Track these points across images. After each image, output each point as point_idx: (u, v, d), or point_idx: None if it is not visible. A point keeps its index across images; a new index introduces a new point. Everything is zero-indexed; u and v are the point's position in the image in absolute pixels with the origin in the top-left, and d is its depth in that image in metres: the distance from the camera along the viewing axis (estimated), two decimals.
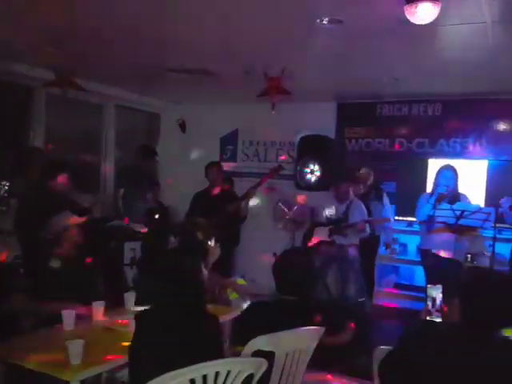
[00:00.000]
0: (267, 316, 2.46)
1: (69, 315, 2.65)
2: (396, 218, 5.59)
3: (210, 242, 3.75)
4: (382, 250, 5.66)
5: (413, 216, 5.06)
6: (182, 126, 7.00)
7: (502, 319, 1.77)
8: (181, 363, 1.83)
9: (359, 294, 5.16)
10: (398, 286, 5.75)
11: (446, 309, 1.88)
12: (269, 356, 2.23)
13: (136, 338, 2.07)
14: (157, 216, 5.38)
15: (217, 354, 2.06)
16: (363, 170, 5.44)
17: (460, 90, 5.25)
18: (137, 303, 3.04)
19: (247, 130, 6.74)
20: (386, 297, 5.73)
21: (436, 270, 4.46)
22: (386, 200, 5.43)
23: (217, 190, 5.22)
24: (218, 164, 5.41)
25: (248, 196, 5.06)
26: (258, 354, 2.21)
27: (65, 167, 4.39)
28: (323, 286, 5.47)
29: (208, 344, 2.08)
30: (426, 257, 4.68)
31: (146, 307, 2.22)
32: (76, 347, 2.19)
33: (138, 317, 2.13)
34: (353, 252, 4.86)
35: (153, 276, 2.37)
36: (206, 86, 5.56)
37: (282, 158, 6.48)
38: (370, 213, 5.11)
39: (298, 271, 2.53)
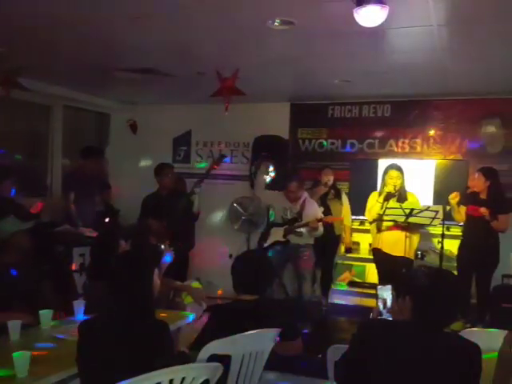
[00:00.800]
0: (224, 319, 2.43)
1: (14, 325, 2.51)
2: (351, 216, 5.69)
3: (163, 246, 3.68)
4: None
5: (365, 215, 5.17)
6: (133, 127, 6.85)
7: (451, 316, 1.84)
8: (131, 372, 1.77)
9: (315, 292, 5.22)
10: (351, 283, 5.84)
11: (396, 307, 1.92)
12: (225, 359, 2.22)
13: (81, 348, 2.00)
14: (107, 220, 5.24)
15: (168, 360, 2.00)
16: (325, 170, 5.49)
17: (408, 91, 5.40)
18: (86, 311, 2.93)
19: (201, 131, 6.67)
20: (339, 294, 5.82)
21: (388, 267, 4.58)
22: (345, 199, 5.51)
23: (167, 192, 5.14)
24: (168, 166, 5.33)
25: (196, 185, 5.00)
26: (214, 358, 2.19)
27: (9, 172, 4.20)
28: (280, 285, 5.50)
29: (159, 351, 2.02)
30: (378, 255, 4.80)
31: (93, 316, 2.15)
32: (22, 359, 2.09)
33: (82, 326, 2.06)
34: (308, 251, 4.89)
35: (102, 282, 2.28)
36: (157, 86, 5.48)
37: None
38: (329, 212, 5.17)
39: (253, 273, 2.51)
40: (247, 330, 2.30)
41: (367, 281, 5.78)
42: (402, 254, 4.53)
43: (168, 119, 6.59)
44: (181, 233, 4.88)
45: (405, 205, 4.42)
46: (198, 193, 5.02)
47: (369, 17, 2.81)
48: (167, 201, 5.02)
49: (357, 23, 2.91)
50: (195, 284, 3.89)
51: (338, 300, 5.79)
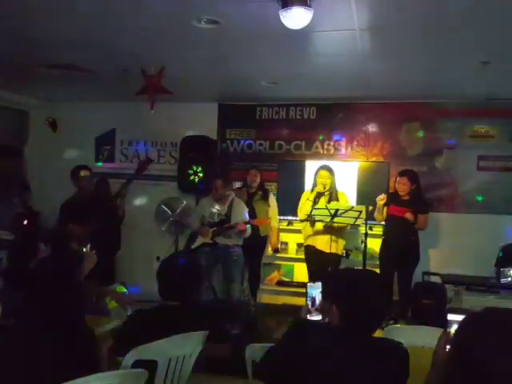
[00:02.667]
0: (150, 324, 2.35)
1: None
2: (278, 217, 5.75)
3: (84, 249, 3.51)
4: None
5: (293, 215, 5.27)
6: (53, 125, 6.53)
7: (378, 318, 1.84)
8: (53, 381, 1.68)
9: (244, 293, 5.22)
10: (280, 283, 5.91)
11: (324, 306, 1.94)
12: (151, 365, 2.16)
13: None
14: (25, 222, 4.93)
15: (92, 368, 1.92)
16: (251, 171, 5.50)
17: (333, 94, 5.56)
18: (3, 317, 2.73)
19: (125, 130, 6.47)
20: (268, 294, 5.87)
21: (318, 264, 4.73)
22: (272, 201, 5.54)
23: (87, 195, 4.93)
24: (83, 168, 5.11)
25: (120, 194, 4.85)
26: (139, 363, 2.12)
27: None
28: (209, 287, 5.45)
29: (83, 358, 1.95)
30: (309, 252, 4.92)
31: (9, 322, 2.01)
32: None
33: None
34: (237, 252, 4.88)
35: (20, 288, 2.14)
36: (80, 83, 5.26)
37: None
38: (254, 213, 5.18)
39: (181, 275, 2.44)
40: (172, 334, 2.24)
41: (295, 280, 5.87)
42: (332, 251, 4.67)
43: (91, 117, 6.34)
44: (104, 236, 4.70)
45: (330, 205, 4.55)
46: (124, 196, 4.86)
47: (293, 19, 2.85)
48: (87, 204, 4.82)
49: (282, 25, 2.95)
50: (120, 288, 3.74)
51: (266, 300, 5.84)
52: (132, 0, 3.04)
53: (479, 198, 5.58)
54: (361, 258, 4.90)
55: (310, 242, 4.92)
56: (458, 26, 3.27)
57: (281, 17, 2.86)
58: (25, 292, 2.05)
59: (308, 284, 2.35)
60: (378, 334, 2.07)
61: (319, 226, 4.75)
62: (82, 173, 4.91)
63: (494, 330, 1.29)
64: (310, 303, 2.27)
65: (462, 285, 4.20)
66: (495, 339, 1.26)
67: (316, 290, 2.30)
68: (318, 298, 2.29)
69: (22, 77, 5.11)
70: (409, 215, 4.76)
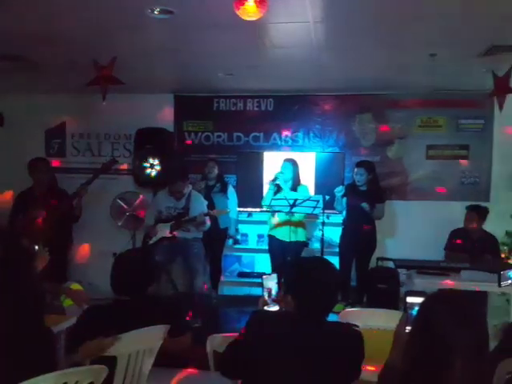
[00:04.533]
0: (103, 320, 2.32)
1: None
2: (237, 209, 5.76)
3: (36, 247, 3.40)
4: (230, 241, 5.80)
5: (252, 206, 5.30)
6: None
7: (331, 303, 1.90)
8: (13, 379, 1.67)
9: (205, 286, 5.21)
10: (241, 274, 5.93)
11: (281, 297, 1.98)
12: (111, 361, 2.15)
13: None
14: None
15: (50, 366, 1.90)
16: (209, 164, 5.48)
17: (290, 86, 5.59)
18: None
19: (77, 123, 6.27)
20: (230, 286, 5.89)
21: (281, 254, 4.84)
22: (230, 192, 5.53)
23: (43, 189, 4.78)
24: (44, 160, 4.95)
25: (79, 194, 4.73)
26: (98, 359, 2.12)
27: None
28: (169, 281, 5.41)
29: (40, 357, 1.90)
30: (271, 243, 5.02)
31: None
32: None
33: None
34: (197, 245, 4.86)
35: None
36: (27, 75, 5.05)
37: None
38: (213, 205, 5.16)
39: (133, 271, 2.43)
40: (125, 330, 2.23)
41: (256, 271, 5.90)
42: (292, 240, 4.75)
43: (40, 110, 6.09)
44: (57, 233, 4.57)
45: (289, 196, 4.62)
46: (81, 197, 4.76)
47: (248, 10, 2.84)
48: (43, 199, 4.67)
49: (237, 16, 2.93)
50: (75, 285, 3.64)
51: (229, 292, 5.86)
52: None
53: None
54: (319, 246, 5.01)
55: (271, 232, 5.01)
56: (407, 20, 3.36)
57: (235, 8, 2.85)
58: None
59: (263, 276, 2.38)
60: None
61: (280, 216, 4.81)
62: (40, 165, 4.77)
63: (450, 306, 1.40)
64: (266, 294, 2.31)
65: (413, 269, 4.37)
66: (451, 314, 1.37)
67: (272, 282, 2.33)
68: (274, 289, 2.33)
69: None
70: (365, 205, 4.89)
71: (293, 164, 4.88)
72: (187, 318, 4.35)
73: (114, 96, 4.64)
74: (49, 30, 3.69)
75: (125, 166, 6.09)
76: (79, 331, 2.34)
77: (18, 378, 1.71)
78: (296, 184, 4.87)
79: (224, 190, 5.46)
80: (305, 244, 5.51)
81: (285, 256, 4.76)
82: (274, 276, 2.38)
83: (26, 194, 4.81)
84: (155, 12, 3.28)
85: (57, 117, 6.26)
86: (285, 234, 4.82)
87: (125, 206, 5.76)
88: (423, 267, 4.21)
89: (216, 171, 5.46)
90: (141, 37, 3.84)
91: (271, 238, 5.03)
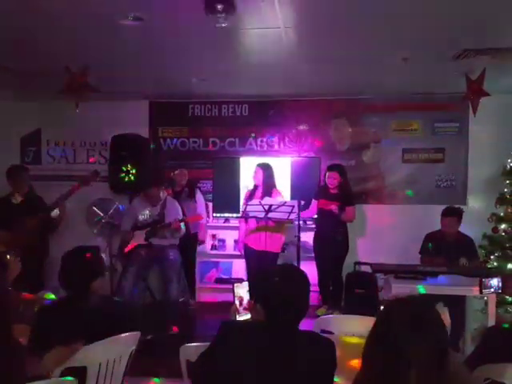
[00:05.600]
0: (52, 318, 2.32)
1: None
2: (214, 214, 5.75)
3: (8, 256, 3.34)
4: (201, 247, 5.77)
5: (229, 212, 5.28)
6: None
7: (301, 312, 1.85)
8: None
9: (182, 293, 5.17)
10: (218, 280, 5.91)
11: (251, 304, 1.97)
12: (81, 371, 2.12)
13: None
14: None
15: (19, 380, 1.86)
16: (178, 171, 5.48)
17: (264, 91, 5.62)
18: None
19: (52, 130, 6.22)
20: (208, 292, 5.86)
21: (255, 262, 4.79)
22: (199, 197, 5.53)
23: (21, 197, 4.71)
24: (22, 168, 4.89)
25: (58, 206, 4.69)
26: (68, 371, 2.08)
27: None
28: (145, 289, 5.36)
29: (8, 370, 1.84)
30: (246, 251, 4.99)
31: None
32: None
33: None
34: (173, 252, 4.83)
35: None
36: (0, 82, 4.98)
37: (92, 160, 6.12)
38: (183, 212, 5.14)
39: (76, 264, 2.42)
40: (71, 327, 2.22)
41: (234, 277, 5.89)
42: (265, 249, 4.71)
43: (14, 117, 6.03)
44: (34, 241, 4.52)
45: (264, 201, 4.61)
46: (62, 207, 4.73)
47: (217, 16, 2.86)
48: (21, 208, 4.61)
49: (207, 21, 2.94)
50: (48, 295, 3.59)
51: (206, 298, 5.83)
52: None
53: (409, 193, 5.83)
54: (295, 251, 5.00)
55: (246, 240, 4.97)
56: (378, 24, 3.40)
57: (205, 14, 2.86)
58: None
59: (235, 284, 2.38)
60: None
61: (253, 223, 4.80)
62: (21, 173, 4.72)
63: (405, 311, 1.39)
64: (238, 303, 2.30)
65: (390, 273, 4.37)
66: (407, 319, 1.36)
67: (243, 290, 2.33)
68: (246, 298, 2.32)
69: None
70: (334, 207, 4.92)
71: (262, 167, 4.86)
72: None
73: (90, 104, 4.61)
74: (22, 38, 3.67)
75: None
76: (34, 334, 2.31)
77: None
78: (269, 187, 4.84)
79: (192, 194, 5.45)
80: (283, 249, 5.52)
81: (261, 264, 4.68)
82: (246, 284, 2.38)
83: (3, 201, 4.74)
84: (126, 19, 3.28)
85: (31, 124, 6.21)
86: (259, 242, 4.76)
87: (100, 213, 5.71)
88: (401, 271, 4.20)
89: (186, 178, 5.48)
90: (113, 44, 3.84)
91: (245, 246, 4.99)
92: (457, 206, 4.78)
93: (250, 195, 4.88)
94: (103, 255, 2.64)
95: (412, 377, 1.29)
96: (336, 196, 5.05)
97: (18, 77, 4.80)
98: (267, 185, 4.84)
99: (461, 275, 3.98)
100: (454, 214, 4.58)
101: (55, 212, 4.73)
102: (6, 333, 1.93)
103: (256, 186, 4.87)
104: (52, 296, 3.58)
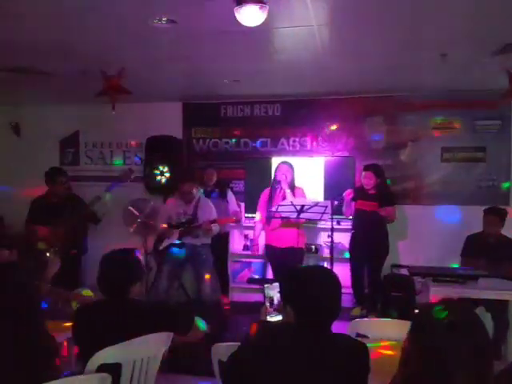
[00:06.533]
0: (92, 319, 2.34)
1: None
2: (246, 215, 5.75)
3: (48, 253, 3.44)
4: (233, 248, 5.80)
5: None
6: (16, 129, 6.40)
7: (333, 314, 1.81)
8: None
9: (214, 292, 5.20)
10: (250, 280, 5.89)
11: (281, 306, 1.94)
12: (115, 368, 2.15)
13: None
14: None
15: (54, 374, 1.91)
16: (207, 171, 5.51)
17: (296, 90, 5.57)
18: None
19: (89, 132, 6.40)
20: (240, 292, 5.87)
21: (281, 262, 4.69)
22: (230, 197, 5.55)
23: (59, 197, 4.87)
24: (61, 172, 5.05)
25: (97, 202, 4.83)
26: (103, 367, 2.11)
27: None
28: (179, 287, 5.42)
29: (44, 365, 1.92)
30: (269, 252, 4.90)
31: None
32: None
33: None
34: (205, 251, 4.86)
35: None
36: (40, 86, 5.16)
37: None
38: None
39: (115, 271, 2.40)
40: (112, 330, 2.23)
41: (267, 277, 5.87)
42: (292, 246, 4.65)
43: (54, 120, 6.25)
44: (72, 239, 4.66)
45: (296, 201, 4.55)
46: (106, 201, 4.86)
47: (249, 16, 2.86)
48: (61, 207, 4.77)
49: (239, 22, 2.94)
50: (86, 292, 3.68)
51: (238, 298, 5.84)
52: (90, 1, 2.99)
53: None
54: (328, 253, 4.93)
55: (268, 240, 4.87)
56: (417, 19, 3.31)
57: (236, 14, 2.86)
58: None
59: (265, 285, 2.36)
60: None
61: (276, 222, 4.72)
62: (60, 177, 4.88)
63: (445, 313, 1.35)
64: (268, 304, 2.28)
65: (428, 276, 4.25)
66: (446, 321, 1.33)
67: (273, 291, 2.31)
68: (277, 298, 2.30)
69: None
70: (382, 211, 4.82)
71: (289, 165, 4.74)
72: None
73: (125, 106, 4.72)
74: (60, 42, 3.76)
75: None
76: (74, 334, 2.36)
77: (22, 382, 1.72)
78: (292, 186, 4.72)
79: (223, 194, 5.47)
80: (316, 250, 5.46)
81: (286, 263, 4.56)
82: (276, 285, 2.36)
83: (41, 201, 4.90)
84: (160, 22, 3.32)
85: (70, 126, 6.40)
86: (282, 241, 4.67)
87: (136, 213, 5.81)
88: (439, 275, 4.06)
89: (215, 178, 5.49)
90: (147, 47, 3.90)
91: (268, 246, 4.87)
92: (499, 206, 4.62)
93: (271, 194, 4.78)
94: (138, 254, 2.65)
95: (452, 380, 1.27)
96: (374, 196, 4.95)
97: (56, 81, 4.93)
98: (293, 183, 4.76)
99: (503, 279, 3.84)
100: (496, 213, 4.44)
101: (98, 206, 4.87)
102: (39, 328, 1.99)
103: (277, 184, 4.73)
104: (90, 293, 3.67)
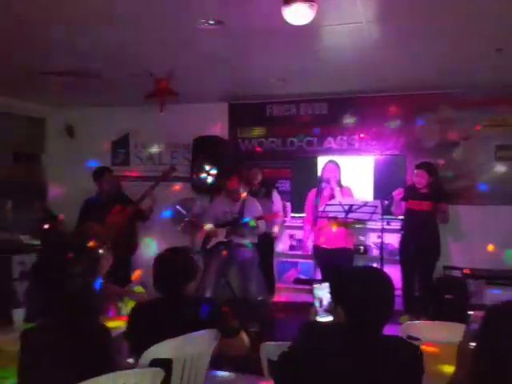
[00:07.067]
0: (148, 317, 2.38)
1: None
2: (292, 214, 5.73)
3: (101, 251, 3.56)
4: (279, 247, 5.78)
5: None
6: (70, 131, 6.64)
7: (386, 317, 1.78)
8: (72, 380, 1.73)
9: (260, 292, 5.22)
10: (297, 280, 5.87)
11: (332, 307, 1.92)
12: (167, 363, 2.18)
13: (23, 357, 1.93)
14: (46, 226, 5.07)
15: (109, 366, 1.96)
16: (252, 170, 5.54)
17: (344, 88, 5.49)
18: (26, 319, 2.81)
19: (139, 133, 6.56)
20: (286, 292, 5.86)
21: (329, 263, 4.62)
22: (275, 197, 5.54)
23: (109, 195, 5.04)
24: (107, 169, 5.21)
25: (145, 198, 4.95)
26: (155, 362, 2.14)
27: None
28: (226, 285, 5.47)
29: (100, 357, 1.99)
30: (319, 252, 4.82)
31: (34, 323, 2.09)
32: None
33: (24, 334, 1.98)
34: (252, 251, 4.88)
35: (43, 289, 2.20)
36: (92, 88, 5.34)
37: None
38: None
39: (171, 270, 2.44)
40: (168, 328, 2.26)
41: (313, 277, 5.83)
42: (341, 246, 4.58)
43: (105, 122, 6.44)
44: (123, 236, 4.79)
45: (344, 201, 4.48)
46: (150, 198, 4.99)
47: (297, 15, 2.84)
48: (110, 205, 4.91)
49: (287, 22, 2.93)
50: (138, 288, 3.77)
51: (285, 298, 5.83)
52: (138, 5, 3.07)
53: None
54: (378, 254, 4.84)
55: (316, 241, 4.79)
56: (471, 14, 3.20)
57: (284, 13, 2.85)
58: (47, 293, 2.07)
59: (314, 285, 2.34)
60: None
61: (324, 222, 4.66)
62: (105, 174, 5.05)
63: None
64: (317, 304, 2.26)
65: (482, 279, 4.09)
66: None
67: (323, 291, 2.29)
68: (326, 299, 2.28)
69: (35, 85, 5.21)
70: (442, 206, 4.69)
71: (336, 164, 4.68)
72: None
73: (173, 107, 4.80)
74: (111, 46, 3.88)
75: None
76: (129, 330, 2.40)
77: (78, 376, 1.77)
78: (341, 187, 4.64)
79: (268, 194, 5.47)
80: (365, 251, 5.36)
81: (334, 264, 4.49)
82: (326, 285, 2.33)
83: (93, 200, 5.08)
84: (207, 23, 3.36)
85: (121, 128, 6.59)
86: (331, 241, 4.60)
87: (184, 212, 5.93)
88: (493, 277, 3.90)
89: (260, 177, 5.50)
90: (194, 48, 3.94)
91: (316, 247, 4.79)
92: None
93: (318, 194, 4.73)
94: None
95: None
96: (426, 195, 4.81)
97: (108, 84, 5.09)
98: (340, 183, 4.70)
99: None
100: None
101: (146, 202, 4.99)
102: (94, 320, 2.06)
103: (324, 184, 4.67)
104: (141, 289, 3.76)
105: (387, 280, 1.83)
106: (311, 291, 5.12)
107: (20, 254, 4.61)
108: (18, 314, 2.87)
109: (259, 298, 5.02)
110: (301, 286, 5.77)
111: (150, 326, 2.31)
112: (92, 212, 4.91)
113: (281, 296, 5.82)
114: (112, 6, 3.08)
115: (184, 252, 2.55)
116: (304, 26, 3.01)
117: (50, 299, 2.09)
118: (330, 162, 4.73)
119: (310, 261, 5.87)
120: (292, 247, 5.94)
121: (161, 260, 2.48)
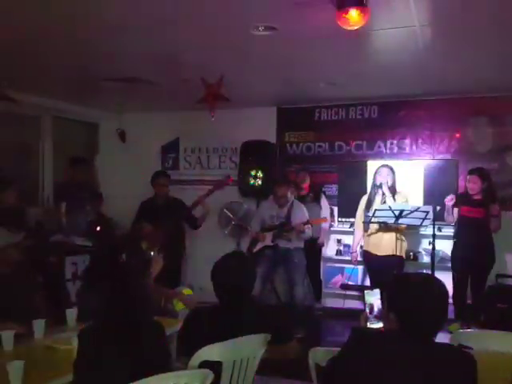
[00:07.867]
0: (205, 324, 2.39)
1: (7, 336, 2.51)
2: (339, 219, 5.69)
3: (152, 253, 3.66)
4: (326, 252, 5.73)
5: (355, 217, 5.17)
6: (122, 136, 6.85)
7: (438, 325, 1.75)
8: (127, 379, 1.76)
9: (307, 297, 5.20)
10: (344, 286, 5.80)
11: (383, 313, 1.89)
12: (216, 366, 2.20)
13: (80, 355, 1.99)
14: (98, 228, 5.24)
15: (163, 367, 2.01)
16: (300, 174, 5.53)
17: (394, 92, 5.41)
18: (79, 319, 2.92)
19: (188, 138, 6.68)
20: (333, 298, 5.81)
21: (379, 269, 4.55)
22: (323, 201, 5.52)
23: (163, 199, 5.18)
24: (163, 174, 5.34)
25: (197, 205, 5.05)
26: (204, 364, 2.17)
27: (12, 183, 4.25)
28: (271, 290, 5.48)
29: (154, 357, 2.03)
30: (368, 258, 4.77)
31: (87, 323, 2.15)
32: (16, 368, 2.08)
33: (82, 333, 2.05)
34: (298, 255, 4.87)
35: (96, 290, 2.28)
36: (143, 94, 5.50)
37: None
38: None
39: (230, 276, 2.43)
40: (227, 334, 2.27)
41: (360, 283, 5.75)
42: (392, 253, 4.51)
43: (156, 127, 6.60)
44: (173, 239, 4.90)
45: (394, 206, 4.41)
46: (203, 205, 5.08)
47: (350, 20, 2.82)
48: (165, 209, 5.05)
49: (339, 26, 2.92)
50: (187, 291, 3.86)
51: (331, 303, 5.78)
52: (191, 12, 3.13)
53: None
54: (429, 260, 4.72)
55: (366, 247, 4.75)
56: None
57: (337, 19, 2.84)
58: (100, 294, 2.16)
59: (365, 291, 2.31)
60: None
61: (374, 229, 4.60)
62: (161, 179, 5.20)
63: None
64: (368, 310, 2.24)
65: None
66: None
67: (374, 297, 2.26)
68: (377, 305, 2.25)
69: (90, 91, 5.40)
70: (494, 210, 4.54)
71: (390, 169, 4.60)
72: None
73: (221, 111, 4.86)
74: (164, 53, 3.98)
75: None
76: (183, 334, 2.44)
77: (131, 376, 1.81)
78: (393, 190, 4.58)
79: (317, 199, 5.44)
80: (415, 258, 5.24)
81: (384, 271, 4.38)
82: (377, 291, 2.31)
83: (148, 203, 5.23)
84: (259, 30, 3.39)
85: (171, 133, 6.73)
86: (382, 248, 4.53)
87: (231, 216, 6.00)
88: None
89: (308, 181, 5.46)
90: (246, 54, 3.99)
91: (366, 253, 4.74)
92: None
93: (370, 199, 4.66)
94: None
95: None
96: (479, 202, 4.65)
97: (159, 89, 5.21)
98: (394, 188, 4.62)
99: None
100: None
101: (199, 210, 5.09)
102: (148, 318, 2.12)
103: (377, 189, 4.60)
104: (190, 291, 3.84)
105: (442, 288, 1.80)
106: (358, 297, 5.10)
107: (72, 256, 4.76)
108: (71, 314, 2.98)
109: (305, 304, 5.00)
110: (347, 292, 5.72)
111: (207, 331, 2.32)
112: (147, 215, 5.05)
113: (327, 301, 5.78)
114: (163, 10, 3.13)
115: (245, 257, 2.57)
116: (356, 30, 2.98)
117: (104, 300, 2.14)
118: (383, 166, 4.67)
119: (356, 266, 5.81)
120: (338, 252, 5.88)
121: (223, 267, 2.48)
